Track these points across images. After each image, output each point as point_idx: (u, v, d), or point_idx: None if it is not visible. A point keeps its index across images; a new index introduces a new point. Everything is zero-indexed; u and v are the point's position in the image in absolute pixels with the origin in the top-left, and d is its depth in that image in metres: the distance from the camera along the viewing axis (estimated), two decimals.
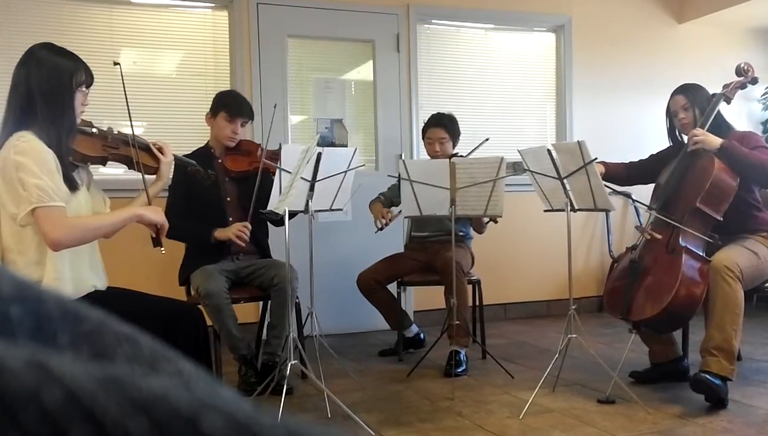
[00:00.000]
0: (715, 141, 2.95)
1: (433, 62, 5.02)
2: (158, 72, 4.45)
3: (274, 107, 3.55)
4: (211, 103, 3.46)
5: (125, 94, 2.46)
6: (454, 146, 3.90)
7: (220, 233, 3.20)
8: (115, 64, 2.47)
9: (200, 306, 2.75)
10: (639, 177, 3.44)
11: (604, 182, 3.07)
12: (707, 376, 2.73)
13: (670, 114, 3.26)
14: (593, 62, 5.36)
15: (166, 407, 0.24)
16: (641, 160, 3.48)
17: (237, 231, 3.15)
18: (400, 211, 3.61)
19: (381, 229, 3.67)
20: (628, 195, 3.70)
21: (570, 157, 2.99)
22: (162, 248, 2.35)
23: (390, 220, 3.68)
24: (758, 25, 5.72)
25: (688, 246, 2.94)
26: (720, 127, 3.10)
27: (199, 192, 3.25)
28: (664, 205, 3.07)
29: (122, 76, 2.45)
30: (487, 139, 3.81)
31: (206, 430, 0.24)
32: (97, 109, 3.79)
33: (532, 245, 5.15)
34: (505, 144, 4.59)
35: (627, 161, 3.51)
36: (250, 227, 3.16)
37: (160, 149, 2.56)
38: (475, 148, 3.85)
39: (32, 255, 2.13)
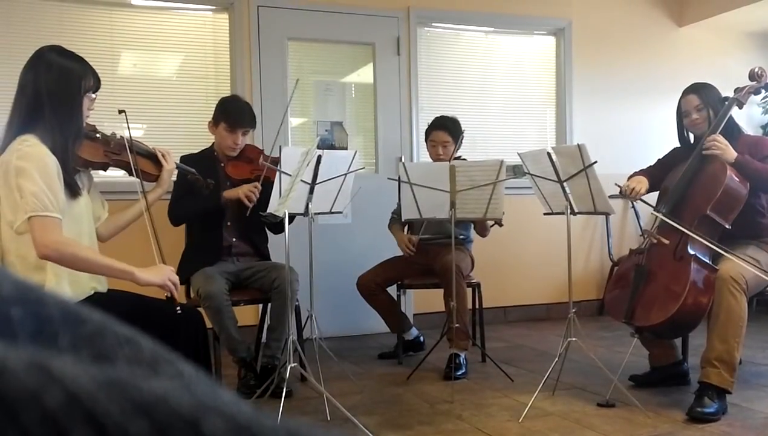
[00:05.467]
0: (732, 155, 2.90)
1: (434, 65, 5.02)
2: (158, 75, 4.45)
3: (280, 123, 3.53)
4: (212, 107, 3.46)
5: (129, 135, 2.45)
6: (456, 150, 3.90)
7: (228, 193, 3.22)
8: (120, 112, 2.45)
9: (200, 308, 2.75)
10: (654, 185, 3.27)
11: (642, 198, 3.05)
12: (704, 410, 2.71)
13: (681, 114, 3.18)
14: (593, 66, 5.37)
15: (167, 409, 0.24)
16: (651, 166, 3.36)
17: (246, 191, 3.17)
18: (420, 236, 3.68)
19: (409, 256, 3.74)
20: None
21: (570, 161, 2.99)
22: (178, 309, 2.17)
23: (415, 245, 3.71)
24: (758, 28, 5.73)
25: (697, 254, 2.89)
26: (731, 131, 3.04)
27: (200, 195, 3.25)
28: (672, 211, 2.99)
29: (128, 124, 2.44)
30: (463, 132, 3.77)
31: (207, 432, 0.24)
32: (97, 111, 3.79)
33: (532, 248, 5.15)
34: (505, 147, 4.60)
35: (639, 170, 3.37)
36: (259, 187, 3.17)
37: (163, 156, 2.56)
38: (457, 147, 3.80)
39: (32, 258, 2.12)
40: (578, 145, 2.96)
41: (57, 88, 2.12)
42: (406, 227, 3.99)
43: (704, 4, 5.43)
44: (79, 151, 2.28)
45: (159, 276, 2.14)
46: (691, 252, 2.89)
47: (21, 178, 2.04)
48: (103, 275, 2.23)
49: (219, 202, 3.21)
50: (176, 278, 2.19)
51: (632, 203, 3.73)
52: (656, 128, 5.33)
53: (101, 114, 3.73)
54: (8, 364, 0.23)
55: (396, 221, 3.97)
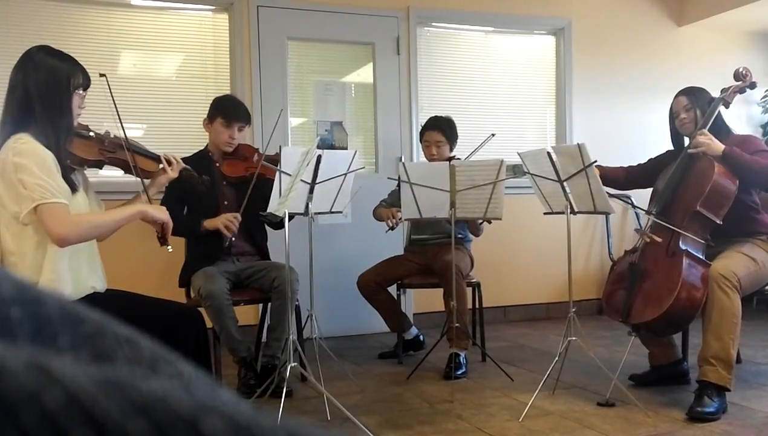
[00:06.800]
0: (719, 147, 2.93)
1: (433, 65, 5.02)
2: (158, 75, 4.45)
3: (280, 113, 3.53)
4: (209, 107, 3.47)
5: (114, 103, 2.45)
6: (451, 150, 3.90)
7: (209, 223, 3.21)
8: (101, 75, 2.47)
9: (201, 308, 2.75)
10: (638, 181, 3.44)
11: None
12: (703, 409, 2.71)
13: (673, 115, 3.25)
14: (593, 65, 5.37)
15: (166, 409, 0.24)
16: (641, 164, 3.47)
17: (225, 221, 3.16)
18: None
19: (392, 228, 3.67)
20: (627, 198, 3.70)
21: (570, 160, 3.00)
22: (168, 247, 2.35)
23: (400, 218, 3.69)
24: (758, 28, 5.73)
25: (689, 249, 2.92)
26: (720, 130, 3.08)
27: (196, 195, 3.25)
28: (663, 209, 3.05)
29: (109, 87, 2.45)
30: (493, 135, 3.80)
31: (206, 432, 0.24)
32: (97, 112, 3.80)
33: (532, 248, 5.15)
34: (505, 147, 4.59)
35: (627, 166, 3.51)
36: (239, 218, 3.17)
37: (168, 161, 2.58)
38: (480, 145, 3.83)
39: (31, 257, 2.13)
40: (578, 144, 2.96)
41: (46, 88, 2.15)
42: (408, 225, 3.98)
43: (704, 3, 5.43)
44: (73, 150, 2.30)
45: (164, 213, 2.32)
46: (683, 248, 2.92)
47: (21, 174, 2.06)
48: (123, 225, 2.30)
49: (199, 230, 3.21)
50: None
51: (631, 202, 3.75)
52: (656, 127, 5.31)
53: (103, 113, 3.73)
54: (7, 364, 0.23)
55: (382, 207, 3.95)
